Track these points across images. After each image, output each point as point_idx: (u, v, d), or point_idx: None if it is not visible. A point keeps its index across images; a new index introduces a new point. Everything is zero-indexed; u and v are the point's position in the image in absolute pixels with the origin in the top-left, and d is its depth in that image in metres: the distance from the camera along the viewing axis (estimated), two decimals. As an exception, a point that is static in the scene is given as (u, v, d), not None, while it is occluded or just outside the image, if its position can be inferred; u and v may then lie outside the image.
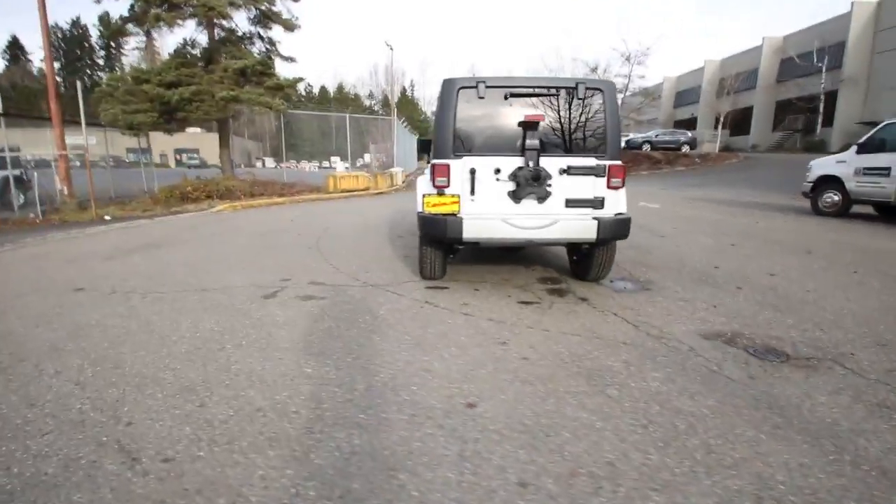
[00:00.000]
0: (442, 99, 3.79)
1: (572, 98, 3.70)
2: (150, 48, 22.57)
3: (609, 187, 3.75)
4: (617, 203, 3.82)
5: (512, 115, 3.71)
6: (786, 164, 20.91)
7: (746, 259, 5.36)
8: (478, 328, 3.21)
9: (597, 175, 3.70)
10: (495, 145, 3.74)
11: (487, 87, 3.66)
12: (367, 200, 13.22)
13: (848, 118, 26.70)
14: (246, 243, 6.43)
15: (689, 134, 28.60)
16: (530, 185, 3.59)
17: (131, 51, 33.83)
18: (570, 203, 3.75)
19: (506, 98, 3.69)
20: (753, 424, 2.08)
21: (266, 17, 14.17)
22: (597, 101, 3.71)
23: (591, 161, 3.70)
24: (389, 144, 22.27)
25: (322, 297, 3.90)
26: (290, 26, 14.26)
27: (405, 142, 25.15)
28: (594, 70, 26.34)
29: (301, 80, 13.82)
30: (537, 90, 3.71)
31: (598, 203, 3.77)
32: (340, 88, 72.48)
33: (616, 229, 3.71)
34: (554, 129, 3.74)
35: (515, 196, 3.72)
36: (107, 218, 9.24)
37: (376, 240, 6.65)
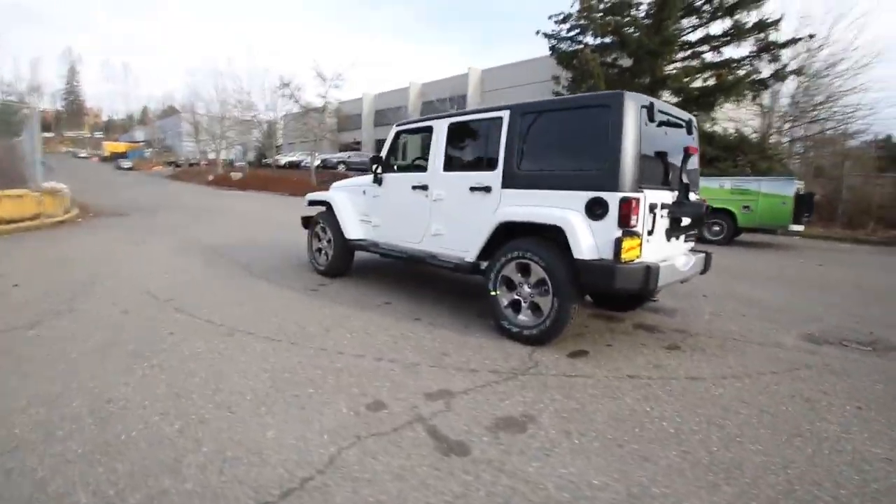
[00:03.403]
0: (613, 115, 2.99)
1: (686, 133, 3.65)
2: None
3: None
4: None
5: (656, 143, 3.33)
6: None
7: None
8: (758, 397, 2.79)
9: None
10: (650, 177, 3.26)
11: (658, 110, 3.16)
12: (74, 236, 8.22)
13: (473, 152, 35.78)
14: (80, 358, 3.01)
15: (378, 156, 31.75)
16: (697, 223, 3.34)
17: None
18: (686, 239, 3.73)
19: (659, 125, 3.29)
20: None
21: None
22: (695, 137, 3.81)
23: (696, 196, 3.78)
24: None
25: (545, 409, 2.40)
26: None
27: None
28: (286, 85, 25.33)
29: None
30: (679, 121, 3.47)
31: (693, 238, 3.89)
32: None
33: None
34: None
35: (669, 234, 3.39)
36: None
37: (320, 306, 4.43)
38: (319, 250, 5.55)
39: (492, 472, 1.93)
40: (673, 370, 3.07)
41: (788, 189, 9.20)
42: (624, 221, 2.95)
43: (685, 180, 3.36)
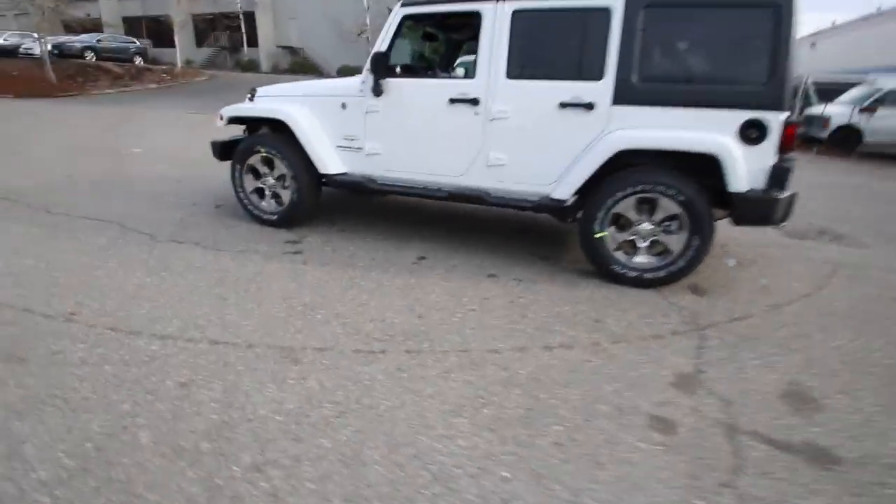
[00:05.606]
0: (783, 18, 2.51)
1: None
2: None
3: None
4: None
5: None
6: (254, 83, 22.05)
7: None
8: (859, 305, 3.04)
9: None
10: None
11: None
12: None
13: (269, 41, 30.35)
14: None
15: (139, 42, 23.89)
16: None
17: None
18: None
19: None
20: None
21: None
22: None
23: None
24: None
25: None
26: None
27: None
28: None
29: None
30: None
31: None
32: None
33: None
34: None
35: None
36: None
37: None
38: (261, 191, 3.88)
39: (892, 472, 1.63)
40: (781, 293, 3.11)
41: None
42: (786, 146, 2.66)
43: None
